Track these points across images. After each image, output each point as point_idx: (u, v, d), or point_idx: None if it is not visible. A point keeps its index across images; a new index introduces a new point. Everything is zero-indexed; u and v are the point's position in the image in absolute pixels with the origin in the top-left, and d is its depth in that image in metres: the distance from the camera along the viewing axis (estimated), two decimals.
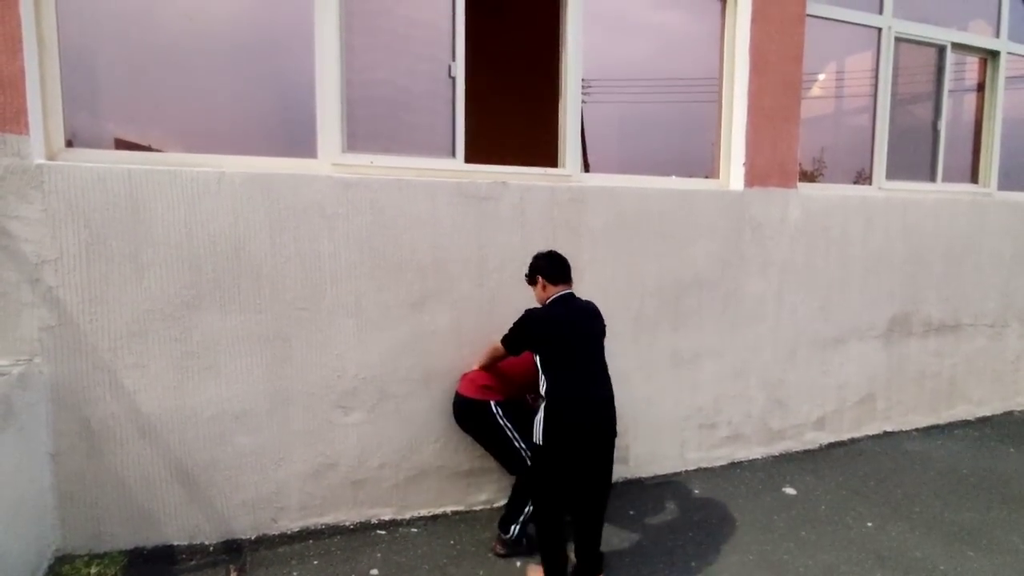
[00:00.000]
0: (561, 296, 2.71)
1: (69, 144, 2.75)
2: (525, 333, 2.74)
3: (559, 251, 2.83)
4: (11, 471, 2.31)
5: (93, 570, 2.57)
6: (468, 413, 3.05)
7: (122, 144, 2.98)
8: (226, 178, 2.80)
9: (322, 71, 3.01)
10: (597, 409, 2.58)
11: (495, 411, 2.97)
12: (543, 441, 2.56)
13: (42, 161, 2.58)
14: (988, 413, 5.15)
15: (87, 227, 2.63)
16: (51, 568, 2.60)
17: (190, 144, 2.99)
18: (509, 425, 2.96)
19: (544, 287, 2.77)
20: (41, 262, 2.58)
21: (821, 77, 4.86)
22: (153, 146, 3.04)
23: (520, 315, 2.77)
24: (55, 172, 2.57)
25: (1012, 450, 4.46)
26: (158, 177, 2.71)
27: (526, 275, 2.87)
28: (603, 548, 2.77)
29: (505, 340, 2.82)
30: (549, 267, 2.76)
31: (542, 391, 2.62)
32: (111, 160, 2.73)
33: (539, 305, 2.81)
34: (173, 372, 2.80)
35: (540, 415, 2.58)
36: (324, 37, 3.00)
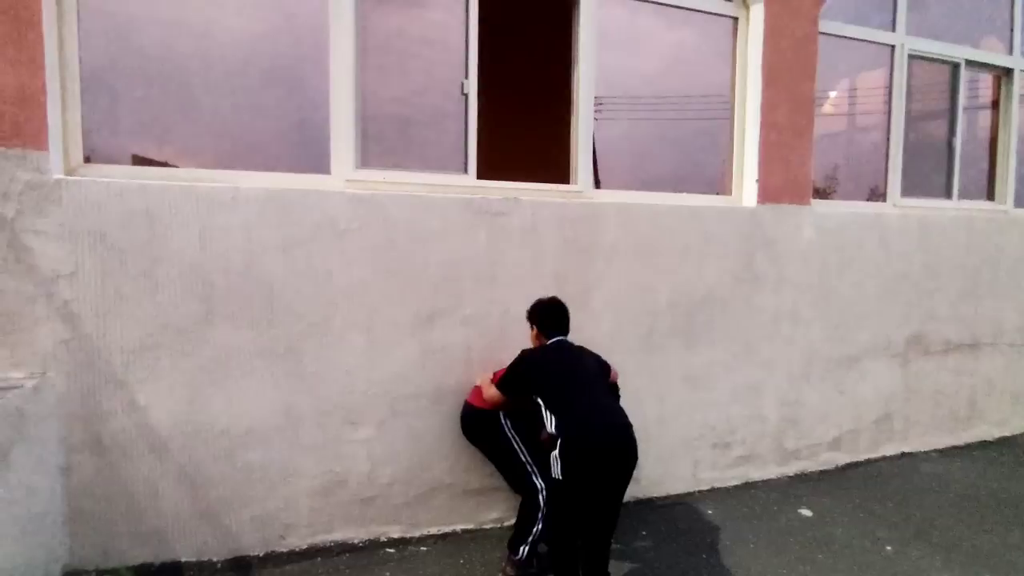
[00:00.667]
0: (556, 342, 2.74)
1: (87, 160, 2.78)
2: (522, 375, 2.71)
3: (560, 298, 2.87)
4: (22, 484, 2.31)
5: None
6: (476, 423, 3.03)
7: (138, 160, 3.01)
8: (240, 194, 2.82)
9: (337, 89, 3.04)
10: (617, 435, 2.46)
11: (504, 423, 2.94)
12: (562, 475, 2.42)
13: (60, 176, 2.61)
14: (1008, 433, 5.04)
15: (103, 242, 2.65)
16: None
17: (206, 160, 3.02)
18: (517, 438, 2.93)
19: (538, 336, 2.82)
20: (57, 276, 2.60)
21: (834, 94, 4.85)
22: (169, 162, 3.08)
23: (515, 357, 2.77)
24: (73, 187, 2.60)
25: None
26: (173, 193, 2.74)
27: (527, 313, 2.89)
28: (616, 571, 2.72)
29: (503, 385, 2.78)
30: (545, 319, 2.81)
31: (551, 429, 2.49)
32: (127, 175, 2.76)
33: (532, 346, 2.85)
34: (184, 387, 2.80)
35: (556, 451, 2.44)
36: (339, 56, 3.03)
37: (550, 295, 2.93)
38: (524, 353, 2.78)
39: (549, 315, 2.81)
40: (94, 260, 2.64)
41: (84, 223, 2.62)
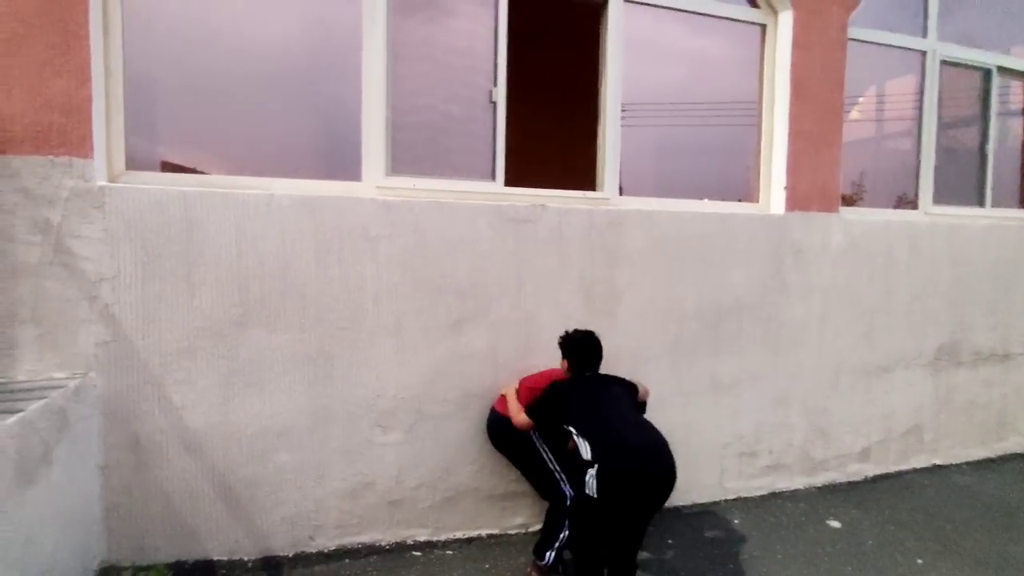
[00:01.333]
0: (585, 376, 2.80)
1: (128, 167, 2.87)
2: (551, 406, 2.72)
3: (594, 333, 2.89)
4: (65, 481, 2.38)
5: None
6: (503, 431, 3.03)
7: (167, 167, 3.07)
8: (275, 200, 2.88)
9: (368, 97, 3.10)
10: (654, 455, 2.43)
11: (532, 432, 2.95)
12: (598, 495, 2.36)
13: (104, 183, 2.69)
14: None
15: (143, 247, 2.73)
16: None
17: (241, 167, 3.08)
18: (545, 446, 2.94)
19: (568, 369, 2.85)
20: (99, 280, 2.68)
21: (861, 100, 4.80)
22: (207, 169, 3.14)
23: (546, 388, 2.79)
24: (116, 194, 2.68)
25: None
26: (211, 199, 2.80)
27: (559, 342, 2.91)
28: None
29: (532, 412, 2.80)
30: (578, 355, 2.83)
31: (587, 456, 2.44)
32: (167, 183, 2.84)
33: (562, 375, 2.88)
34: (219, 389, 2.86)
35: (592, 472, 2.38)
36: (371, 66, 3.09)
37: (585, 328, 2.94)
38: (554, 385, 2.79)
39: (582, 353, 2.83)
40: (134, 264, 2.72)
41: (125, 228, 2.70)
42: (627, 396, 2.75)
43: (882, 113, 4.93)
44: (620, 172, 3.66)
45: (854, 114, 4.70)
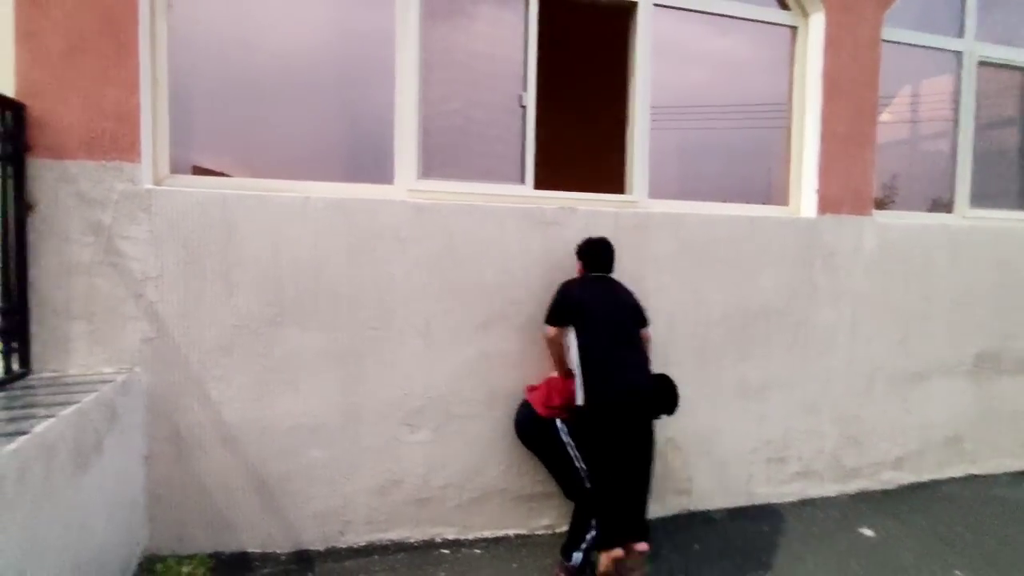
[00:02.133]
0: (597, 276, 3.04)
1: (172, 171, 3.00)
2: (560, 303, 2.97)
3: (613, 245, 3.13)
4: (114, 470, 2.49)
5: (184, 569, 2.72)
6: (532, 426, 3.07)
7: (203, 171, 3.18)
8: (310, 203, 2.98)
9: (401, 102, 3.18)
10: (634, 372, 2.78)
11: (559, 428, 2.98)
12: (585, 401, 2.75)
13: (150, 186, 2.83)
14: None
15: (185, 247, 2.85)
16: (141, 565, 2.76)
17: (279, 171, 3.19)
18: (572, 444, 2.96)
19: (581, 270, 3.14)
20: (145, 279, 2.81)
21: (895, 100, 4.71)
22: (245, 174, 3.25)
23: (558, 289, 3.03)
24: (161, 197, 2.81)
25: None
26: (249, 202, 2.91)
27: (575, 249, 3.17)
28: None
29: (550, 318, 3.00)
30: (589, 255, 3.09)
31: (574, 363, 2.81)
32: (208, 186, 2.96)
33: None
34: (255, 385, 2.96)
35: (579, 378, 2.79)
36: (404, 72, 3.18)
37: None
38: (563, 284, 3.04)
39: (592, 251, 3.09)
40: (177, 264, 2.84)
41: (169, 229, 2.82)
42: (632, 323, 2.95)
43: (917, 114, 4.83)
44: (649, 174, 3.66)
45: (886, 115, 4.62)
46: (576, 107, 5.36)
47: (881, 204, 4.43)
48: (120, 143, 2.74)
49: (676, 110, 4.27)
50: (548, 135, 3.53)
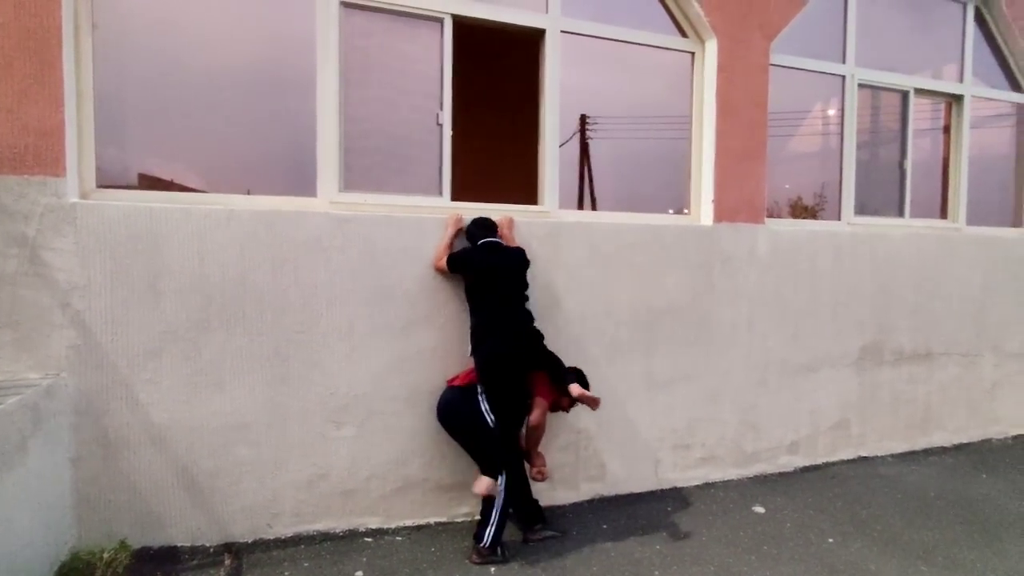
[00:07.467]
0: (488, 240, 3.43)
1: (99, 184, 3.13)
2: (459, 258, 3.40)
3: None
4: (38, 472, 2.62)
5: (106, 555, 2.84)
6: (457, 402, 3.33)
7: (145, 178, 3.34)
8: (235, 215, 3.16)
9: (323, 118, 3.40)
10: (517, 351, 3.29)
11: (480, 398, 3.26)
12: (473, 348, 3.29)
13: (76, 200, 2.96)
14: (965, 440, 5.30)
15: (112, 258, 2.99)
16: (65, 564, 2.87)
17: (205, 182, 3.36)
18: (491, 414, 3.23)
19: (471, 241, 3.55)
20: (71, 288, 2.93)
21: (785, 119, 5.18)
22: (172, 184, 3.41)
23: (462, 249, 3.47)
24: (86, 210, 2.94)
25: (984, 476, 4.61)
26: (175, 214, 3.07)
27: (465, 233, 3.56)
28: (573, 559, 3.20)
29: (449, 260, 3.43)
30: (473, 228, 3.51)
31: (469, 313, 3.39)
32: (135, 199, 3.10)
33: None
34: (184, 387, 3.12)
35: (470, 329, 3.34)
36: (325, 88, 3.39)
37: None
38: (465, 248, 3.48)
39: (474, 227, 3.50)
40: (104, 274, 2.97)
41: (96, 241, 2.96)
42: (519, 276, 3.44)
43: (808, 131, 5.32)
44: (594, 186, 3.99)
45: (784, 132, 5.09)
46: (491, 124, 5.66)
47: (813, 212, 4.93)
48: (44, 158, 2.86)
49: (611, 121, 4.62)
50: (464, 150, 3.80)
